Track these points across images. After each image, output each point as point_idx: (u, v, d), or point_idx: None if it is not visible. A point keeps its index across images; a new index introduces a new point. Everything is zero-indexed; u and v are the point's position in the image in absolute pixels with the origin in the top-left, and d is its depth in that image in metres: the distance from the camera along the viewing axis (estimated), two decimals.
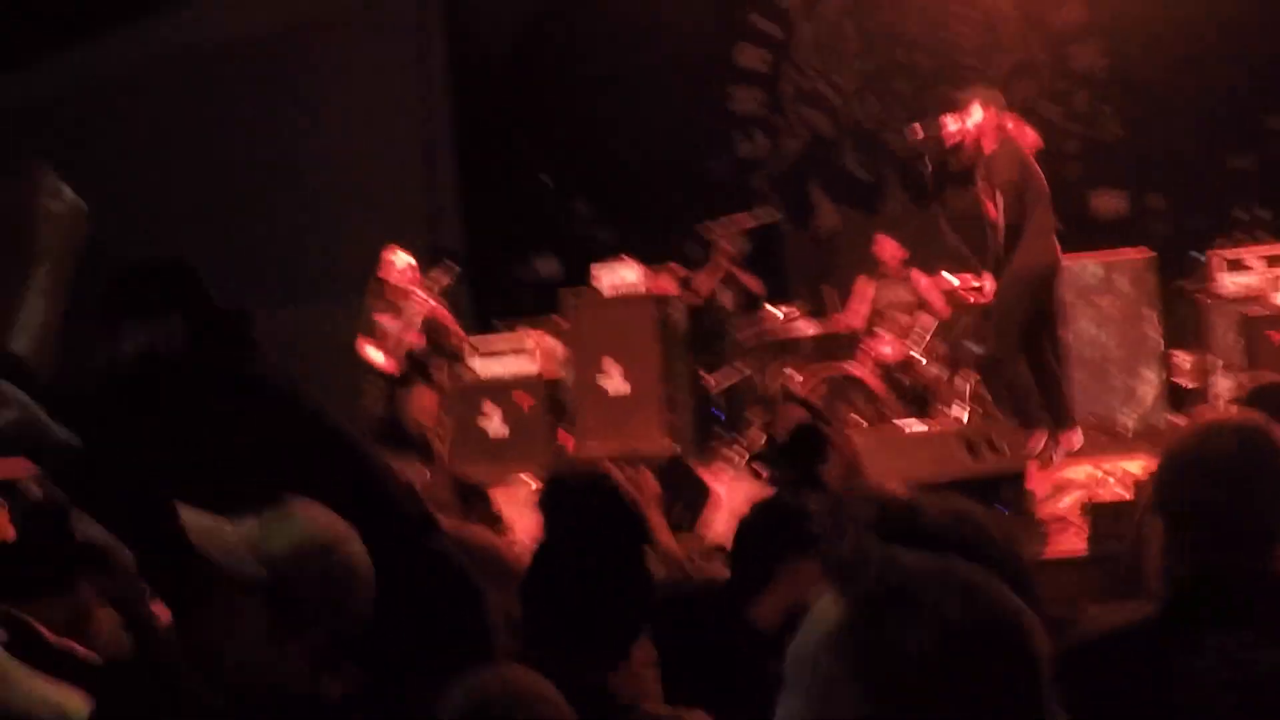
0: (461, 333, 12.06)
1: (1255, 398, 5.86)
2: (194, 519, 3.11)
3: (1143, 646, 2.99)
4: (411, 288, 11.63)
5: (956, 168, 10.98)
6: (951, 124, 9.92)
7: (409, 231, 11.28)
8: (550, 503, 5.08)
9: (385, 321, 11.63)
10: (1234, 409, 3.21)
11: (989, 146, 9.87)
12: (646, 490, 5.56)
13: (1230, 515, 2.91)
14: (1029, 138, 10.04)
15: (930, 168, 10.71)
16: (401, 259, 11.68)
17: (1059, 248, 10.24)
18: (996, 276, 10.04)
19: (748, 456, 11.49)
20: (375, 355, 11.60)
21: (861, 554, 1.74)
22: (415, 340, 11.59)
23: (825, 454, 6.40)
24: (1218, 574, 2.93)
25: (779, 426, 8.78)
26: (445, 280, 12.00)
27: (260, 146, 14.87)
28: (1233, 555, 2.92)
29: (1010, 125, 9.93)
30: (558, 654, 3.26)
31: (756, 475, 10.94)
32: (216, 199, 14.49)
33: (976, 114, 9.83)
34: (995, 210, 9.72)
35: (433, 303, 11.69)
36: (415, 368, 11.64)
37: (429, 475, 10.80)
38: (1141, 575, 4.34)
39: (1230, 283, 11.55)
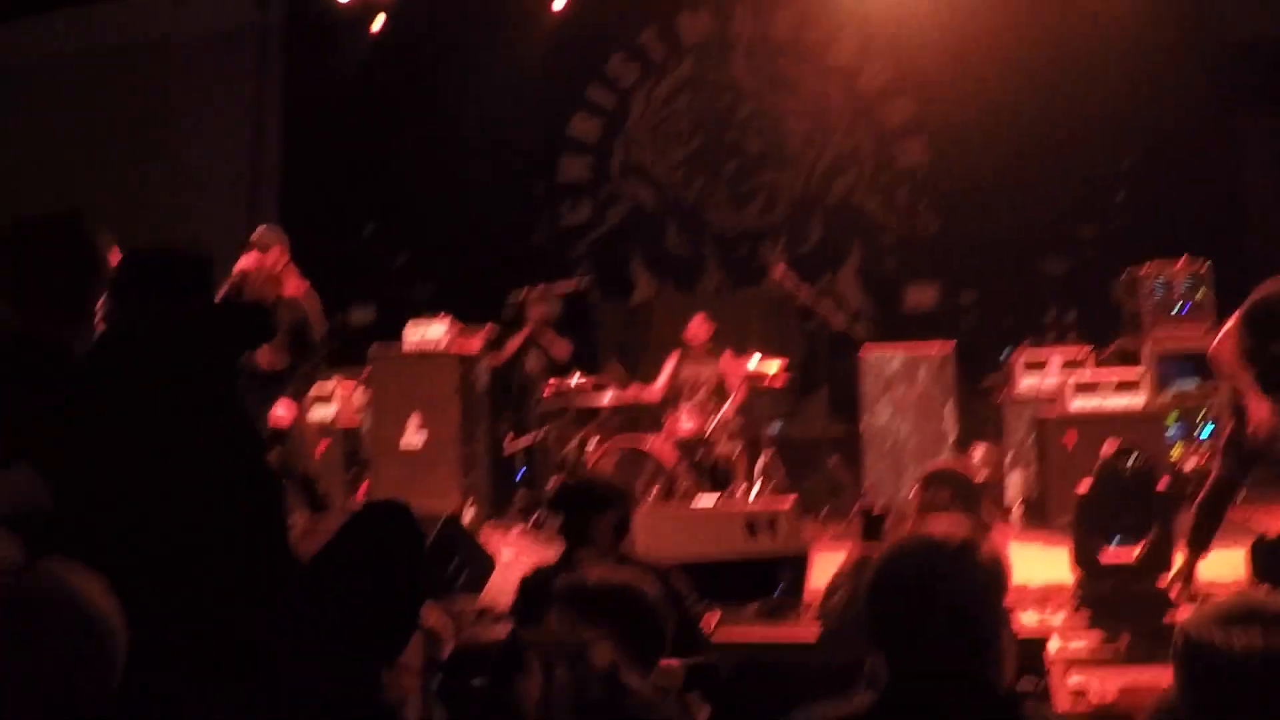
0: None
1: (931, 480, 6.00)
2: None
3: None
4: None
5: None
6: None
7: (228, 262, 10.89)
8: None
9: None
10: (947, 521, 3.22)
11: None
12: None
13: (939, 626, 2.95)
14: None
15: None
16: None
17: None
18: None
19: (535, 517, 11.49)
20: None
21: None
22: None
23: (598, 514, 6.39)
24: (928, 675, 2.95)
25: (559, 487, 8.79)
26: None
27: (105, 160, 14.78)
28: (942, 661, 2.93)
29: None
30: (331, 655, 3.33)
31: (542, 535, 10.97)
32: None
33: None
34: None
35: None
36: None
37: None
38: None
39: (1028, 382, 11.74)
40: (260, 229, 9.75)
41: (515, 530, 11.60)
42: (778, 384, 11.88)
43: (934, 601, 2.93)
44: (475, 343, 12.42)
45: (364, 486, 12.23)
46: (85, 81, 15.36)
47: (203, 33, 15.55)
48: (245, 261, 9.39)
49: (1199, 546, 8.20)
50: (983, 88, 14.00)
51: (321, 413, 12.17)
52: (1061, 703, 5.94)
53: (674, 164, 15.48)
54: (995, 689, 2.97)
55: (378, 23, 14.95)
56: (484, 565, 8.86)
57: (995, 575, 3.02)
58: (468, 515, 11.24)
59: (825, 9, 14.83)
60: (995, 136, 14.00)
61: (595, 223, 15.54)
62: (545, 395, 12.22)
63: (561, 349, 12.90)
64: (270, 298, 9.39)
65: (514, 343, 12.83)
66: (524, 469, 12.74)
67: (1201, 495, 8.37)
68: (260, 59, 15.77)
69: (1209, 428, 11.51)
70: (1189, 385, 11.61)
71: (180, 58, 15.53)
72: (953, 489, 6.14)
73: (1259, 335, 8.07)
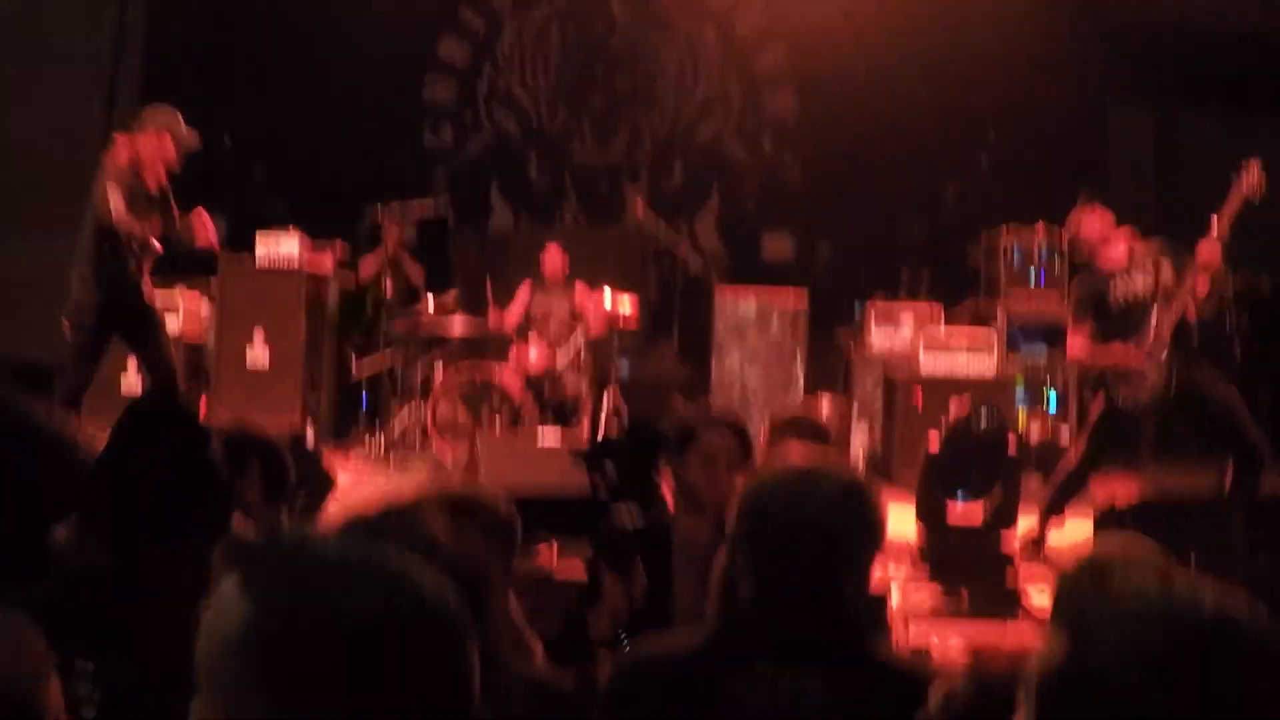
0: None
1: (781, 427, 5.94)
2: None
3: (691, 670, 2.93)
4: None
5: None
6: None
7: (83, 145, 10.46)
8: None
9: None
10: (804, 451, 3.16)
11: None
12: None
13: (821, 548, 2.86)
14: None
15: None
16: None
17: None
18: None
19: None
20: None
21: (268, 542, 1.62)
22: None
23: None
24: (777, 605, 2.89)
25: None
26: None
27: None
28: (813, 587, 2.85)
29: None
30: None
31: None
32: None
33: None
34: None
35: None
36: None
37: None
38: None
39: (879, 338, 11.76)
40: (162, 110, 9.37)
41: (354, 455, 11.41)
42: (630, 324, 11.82)
43: (817, 522, 2.85)
44: (327, 260, 12.18)
45: (203, 400, 11.96)
46: None
47: None
48: (152, 145, 9.03)
49: (1053, 512, 8.29)
50: (857, 43, 14.00)
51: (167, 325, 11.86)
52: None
53: (541, 94, 15.30)
54: (848, 622, 2.91)
55: None
56: (323, 487, 8.67)
57: (881, 518, 2.96)
58: (308, 437, 11.02)
59: None
60: (865, 92, 14.02)
61: (457, 148, 15.31)
62: (396, 319, 12.03)
63: (416, 273, 12.74)
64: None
65: (370, 263, 12.62)
66: (367, 393, 12.55)
67: (1069, 464, 8.45)
68: None
69: (1054, 397, 11.61)
70: (1038, 353, 11.69)
71: None
72: (802, 436, 6.04)
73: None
